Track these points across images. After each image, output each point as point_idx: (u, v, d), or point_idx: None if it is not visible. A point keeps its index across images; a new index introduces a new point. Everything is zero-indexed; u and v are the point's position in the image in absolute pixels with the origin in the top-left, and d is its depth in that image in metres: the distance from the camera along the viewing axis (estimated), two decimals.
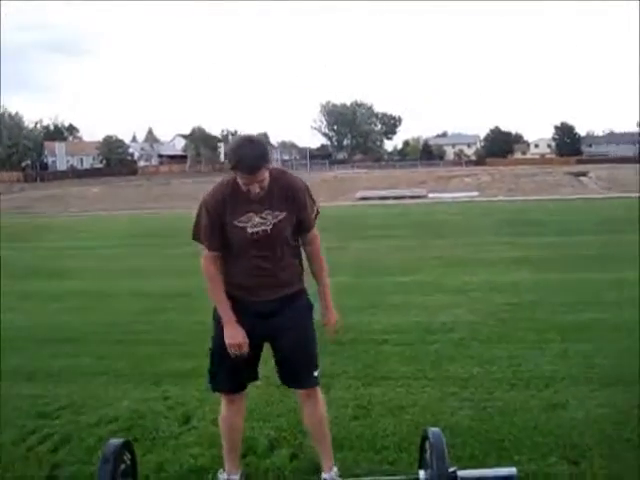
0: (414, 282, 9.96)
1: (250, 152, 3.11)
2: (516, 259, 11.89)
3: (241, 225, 3.27)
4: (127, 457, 3.43)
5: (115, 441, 3.44)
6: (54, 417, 4.85)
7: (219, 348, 3.43)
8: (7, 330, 7.69)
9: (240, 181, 3.18)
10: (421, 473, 3.34)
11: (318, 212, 3.50)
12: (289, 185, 3.32)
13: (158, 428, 4.53)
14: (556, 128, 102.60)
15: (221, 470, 3.68)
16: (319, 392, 3.60)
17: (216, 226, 3.30)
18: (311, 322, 3.50)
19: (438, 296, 8.79)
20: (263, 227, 3.27)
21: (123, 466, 3.34)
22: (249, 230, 3.27)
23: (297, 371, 3.50)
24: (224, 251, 3.35)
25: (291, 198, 3.30)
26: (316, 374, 3.50)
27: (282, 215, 3.29)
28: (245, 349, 3.36)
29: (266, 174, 3.17)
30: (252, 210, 3.25)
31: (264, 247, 3.30)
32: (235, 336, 3.35)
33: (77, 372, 5.98)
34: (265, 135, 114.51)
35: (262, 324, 3.41)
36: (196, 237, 3.42)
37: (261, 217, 3.26)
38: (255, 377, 3.62)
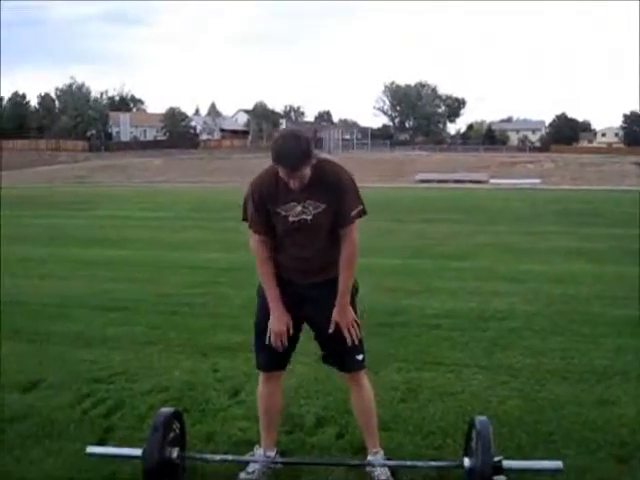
0: (469, 268, 9.87)
1: (292, 149, 3.09)
2: (575, 249, 11.67)
3: (284, 213, 3.31)
4: (176, 426, 3.50)
5: (166, 410, 3.52)
6: (108, 382, 4.97)
7: (260, 327, 3.50)
8: (65, 296, 7.91)
9: (281, 174, 3.19)
10: (466, 460, 3.32)
11: (363, 212, 3.35)
12: (333, 179, 3.29)
13: (208, 400, 4.60)
14: (625, 117, 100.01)
15: (257, 446, 3.73)
16: (364, 376, 3.60)
17: (261, 212, 3.34)
18: (354, 306, 3.50)
19: (493, 283, 8.70)
20: (304, 216, 3.29)
21: (172, 435, 3.41)
22: (290, 219, 3.30)
23: (340, 355, 3.51)
24: (271, 234, 3.39)
25: (333, 192, 3.27)
26: (360, 358, 3.49)
27: (322, 207, 3.29)
28: (284, 340, 3.42)
29: (307, 171, 3.17)
30: (295, 199, 3.27)
31: (305, 235, 3.33)
32: (279, 323, 3.41)
33: (130, 340, 6.11)
34: (327, 113, 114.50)
35: (304, 307, 3.47)
36: (245, 219, 3.47)
37: (303, 206, 3.28)
38: (289, 359, 3.66)
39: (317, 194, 3.26)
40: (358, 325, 3.46)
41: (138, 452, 3.33)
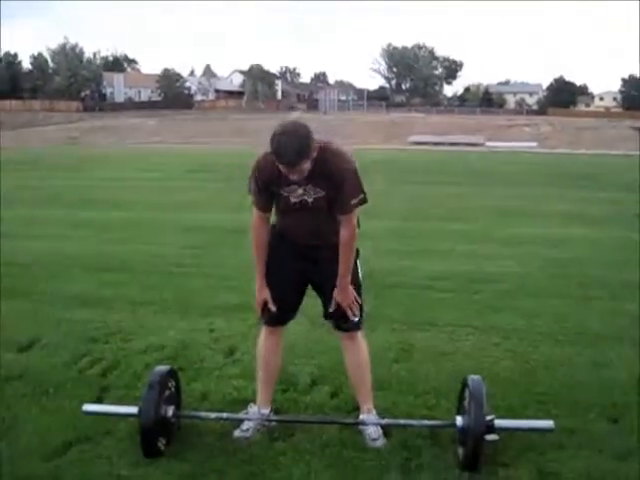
0: (463, 230, 9.87)
1: (290, 146, 3.06)
2: (570, 213, 11.67)
3: (285, 194, 3.37)
4: (172, 384, 3.54)
5: (161, 368, 3.56)
6: (104, 342, 5.01)
7: (268, 280, 3.58)
8: (60, 257, 7.92)
9: (280, 167, 3.18)
10: (458, 419, 3.36)
11: (364, 200, 3.38)
12: (333, 169, 3.27)
13: (203, 359, 4.65)
14: (623, 81, 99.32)
15: (251, 404, 3.77)
16: (360, 336, 3.68)
17: (263, 192, 3.41)
18: (356, 268, 3.56)
19: (487, 246, 8.72)
20: (305, 198, 3.36)
21: (168, 392, 3.46)
22: (292, 199, 3.37)
23: (339, 314, 3.56)
24: (272, 210, 3.51)
25: (333, 181, 3.28)
26: (356, 320, 3.56)
27: (322, 193, 3.33)
28: (271, 306, 3.58)
29: (306, 165, 3.16)
30: (296, 182, 3.29)
31: (306, 213, 3.39)
32: (260, 295, 3.60)
33: (126, 300, 6.12)
34: (323, 75, 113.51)
35: (307, 266, 3.56)
36: (249, 192, 3.50)
37: (304, 189, 3.33)
38: (293, 316, 3.76)
39: (317, 181, 3.28)
40: (359, 293, 3.55)
41: (134, 410, 3.38)
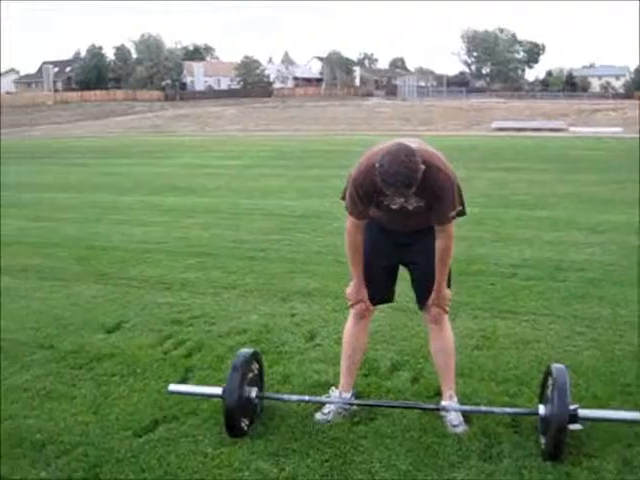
0: (547, 217, 9.67)
1: (400, 179, 3.03)
2: None
3: (386, 202, 3.37)
4: (255, 367, 3.61)
5: (245, 351, 3.63)
6: (188, 325, 5.14)
7: (365, 263, 3.60)
8: (146, 242, 8.15)
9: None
10: (541, 408, 3.32)
11: (462, 213, 3.46)
12: (436, 184, 3.24)
13: (285, 342, 4.72)
14: None
15: (333, 388, 3.80)
16: (447, 322, 3.69)
17: (360, 203, 3.38)
18: None
19: (572, 233, 8.52)
20: (405, 205, 3.36)
21: (251, 375, 3.53)
22: (392, 206, 3.38)
23: (427, 295, 3.59)
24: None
25: (434, 197, 3.29)
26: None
27: (422, 202, 3.33)
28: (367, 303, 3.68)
29: (411, 191, 3.15)
30: None
31: (405, 214, 3.41)
32: (358, 295, 3.65)
33: (208, 285, 6.27)
34: (402, 60, 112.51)
35: (398, 250, 3.62)
36: (344, 201, 3.52)
37: (405, 200, 3.32)
38: (390, 299, 3.83)
39: (419, 194, 3.25)
40: (449, 280, 3.61)
41: (218, 391, 3.46)
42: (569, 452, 3.21)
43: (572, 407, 3.18)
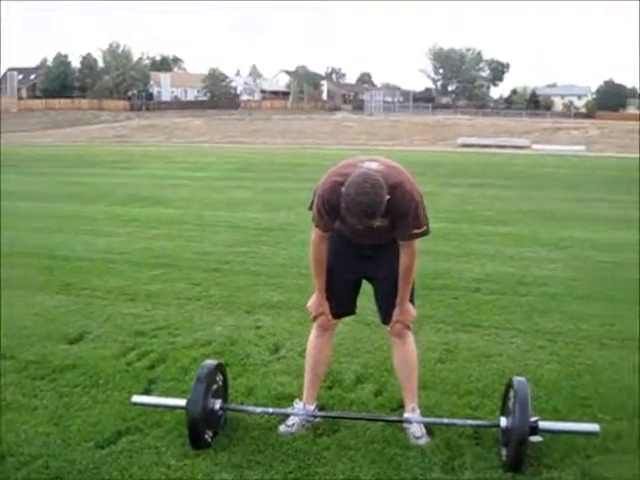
0: (510, 233, 9.81)
1: (364, 211, 3.04)
2: (619, 218, 11.47)
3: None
4: (219, 378, 3.61)
5: (210, 362, 3.63)
6: (151, 336, 5.11)
7: (327, 276, 3.61)
8: (109, 253, 8.08)
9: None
10: (502, 420, 3.36)
11: (425, 232, 3.42)
12: (399, 204, 3.24)
13: (249, 355, 4.71)
14: None
15: (297, 400, 3.80)
16: (409, 334, 3.71)
17: (326, 215, 3.40)
18: None
19: (534, 249, 8.64)
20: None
21: (215, 386, 3.52)
22: (356, 225, 3.33)
23: (390, 310, 3.62)
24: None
25: (398, 217, 3.31)
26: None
27: (386, 222, 3.32)
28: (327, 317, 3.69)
29: (374, 222, 3.17)
30: None
31: (368, 230, 3.34)
32: (319, 307, 3.67)
33: (172, 296, 6.24)
34: (368, 75, 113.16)
35: (362, 262, 3.62)
36: (311, 211, 3.54)
37: None
38: (352, 312, 3.84)
39: (384, 215, 3.23)
40: (412, 294, 3.62)
41: (182, 402, 3.45)
42: (529, 463, 3.26)
43: (533, 419, 3.23)
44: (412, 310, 3.63)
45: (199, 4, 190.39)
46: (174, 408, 3.61)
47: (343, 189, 3.10)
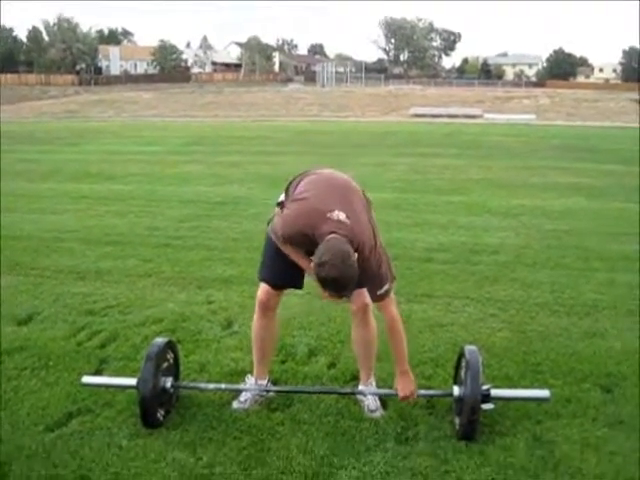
0: (462, 202, 9.86)
1: (338, 284, 2.96)
2: (570, 185, 11.63)
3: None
4: (170, 356, 3.56)
5: (159, 340, 3.58)
6: (102, 315, 5.03)
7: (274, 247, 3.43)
8: (59, 231, 7.91)
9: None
10: (455, 389, 3.39)
11: (389, 290, 3.33)
12: (359, 266, 3.07)
13: (201, 331, 4.68)
14: (624, 52, 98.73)
15: (249, 375, 3.79)
16: (370, 311, 3.58)
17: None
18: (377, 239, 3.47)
19: (485, 217, 8.72)
20: None
21: (166, 364, 3.48)
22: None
23: (362, 280, 3.32)
24: None
25: (362, 273, 3.15)
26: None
27: None
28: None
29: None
30: None
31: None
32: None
33: (123, 273, 6.15)
34: (320, 46, 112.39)
35: None
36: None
37: None
38: (298, 284, 3.61)
39: None
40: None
41: (133, 382, 3.40)
42: (482, 431, 3.29)
43: (485, 387, 3.26)
44: (412, 380, 3.45)
45: None
46: (125, 388, 3.56)
47: (315, 259, 2.97)
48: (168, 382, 3.45)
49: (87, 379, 3.63)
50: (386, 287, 3.29)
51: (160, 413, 3.38)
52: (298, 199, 3.23)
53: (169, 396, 3.48)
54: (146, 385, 3.29)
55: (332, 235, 3.02)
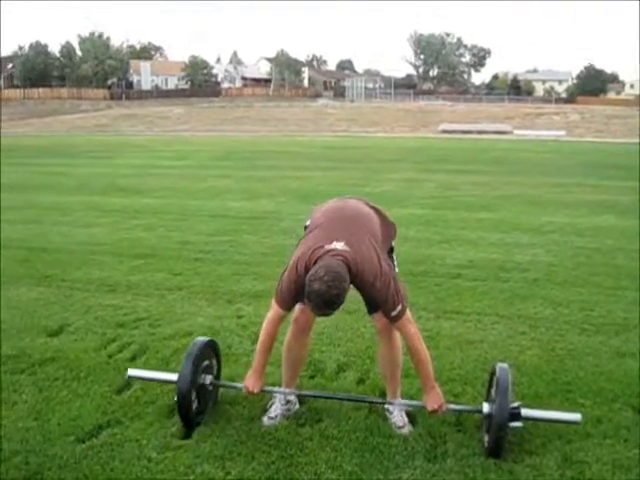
0: (492, 219, 9.82)
1: (323, 301, 3.02)
2: (600, 202, 11.53)
3: None
4: (211, 355, 3.72)
5: (201, 339, 3.69)
6: (132, 327, 5.07)
7: None
8: (90, 244, 8.01)
9: None
10: (485, 406, 3.37)
11: (402, 311, 3.30)
12: (363, 288, 3.27)
13: (231, 345, 4.70)
14: None
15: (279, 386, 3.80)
16: (396, 332, 3.54)
17: (294, 296, 3.36)
18: (392, 259, 3.60)
19: (515, 235, 8.66)
20: None
21: (206, 362, 3.61)
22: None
23: (377, 307, 3.44)
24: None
25: (365, 292, 3.34)
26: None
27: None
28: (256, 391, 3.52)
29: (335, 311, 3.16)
30: None
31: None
32: (253, 385, 3.49)
33: (153, 287, 6.20)
34: (349, 62, 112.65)
35: None
36: (277, 290, 3.43)
37: None
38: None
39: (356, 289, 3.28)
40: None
41: (174, 377, 3.49)
42: (511, 450, 3.27)
43: (514, 405, 3.24)
44: (440, 395, 3.42)
45: None
46: (166, 382, 3.69)
47: (307, 277, 3.07)
48: (207, 379, 3.56)
49: (132, 372, 3.78)
50: (399, 308, 3.29)
51: (198, 409, 3.49)
52: (307, 233, 3.45)
53: (208, 394, 3.58)
54: (185, 380, 3.37)
55: (330, 255, 3.15)
